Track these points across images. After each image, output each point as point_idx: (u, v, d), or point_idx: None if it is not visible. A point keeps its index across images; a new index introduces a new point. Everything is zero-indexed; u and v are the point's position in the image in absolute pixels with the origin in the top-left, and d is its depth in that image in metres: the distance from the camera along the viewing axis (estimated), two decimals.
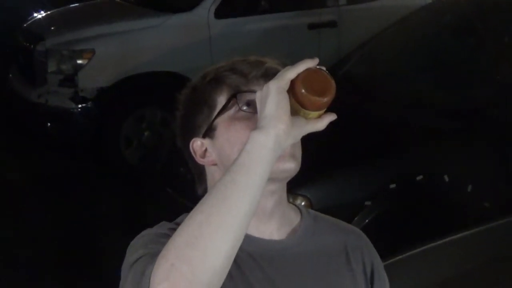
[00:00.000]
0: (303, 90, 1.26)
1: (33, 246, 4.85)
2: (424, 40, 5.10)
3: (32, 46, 6.42)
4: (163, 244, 1.20)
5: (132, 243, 1.38)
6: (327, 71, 1.30)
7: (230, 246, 1.17)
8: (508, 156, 4.13)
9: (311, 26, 6.59)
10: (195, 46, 6.24)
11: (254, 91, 1.38)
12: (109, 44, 6.18)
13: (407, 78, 4.79)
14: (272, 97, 1.25)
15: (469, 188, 3.99)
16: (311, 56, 1.29)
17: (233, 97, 1.43)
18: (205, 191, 1.50)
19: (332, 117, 1.30)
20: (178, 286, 1.12)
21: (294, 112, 1.27)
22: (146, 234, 1.39)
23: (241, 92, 1.43)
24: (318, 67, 1.29)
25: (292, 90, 1.27)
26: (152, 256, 1.20)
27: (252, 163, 1.22)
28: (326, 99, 1.27)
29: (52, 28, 6.63)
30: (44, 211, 5.38)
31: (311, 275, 1.48)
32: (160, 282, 1.13)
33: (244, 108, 1.42)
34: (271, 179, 1.36)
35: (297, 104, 1.27)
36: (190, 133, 1.49)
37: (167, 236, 1.31)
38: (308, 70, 1.27)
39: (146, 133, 6.17)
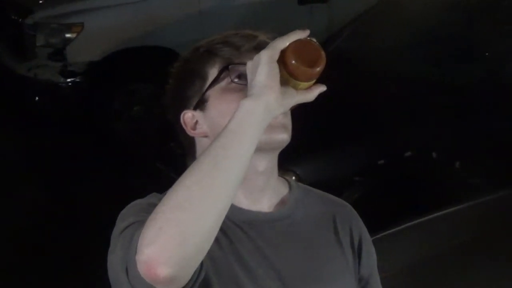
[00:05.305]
0: (293, 61, 1.26)
1: (24, 220, 4.86)
2: (415, 16, 5.09)
3: (20, 19, 6.37)
4: None
5: (122, 212, 1.39)
6: (317, 43, 1.30)
7: (218, 210, 1.18)
8: (496, 132, 4.15)
9: (302, 1, 6.56)
10: (185, 20, 6.21)
11: (246, 64, 1.38)
12: (98, 18, 6.14)
13: (398, 53, 4.79)
14: (263, 66, 1.26)
15: (457, 164, 4.02)
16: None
17: (225, 69, 1.43)
18: None
19: (321, 88, 1.31)
20: (166, 249, 1.13)
21: (284, 82, 1.27)
22: (137, 204, 1.40)
23: (233, 64, 1.43)
24: (308, 38, 1.30)
25: (282, 60, 1.27)
26: (142, 223, 1.21)
27: (241, 129, 1.23)
28: (316, 70, 1.28)
29: (41, 1, 6.57)
30: (32, 184, 5.37)
31: (299, 246, 1.49)
32: (148, 245, 1.14)
33: (236, 80, 1.43)
34: (262, 150, 1.37)
35: (287, 74, 1.27)
36: (181, 105, 1.49)
37: None
38: (298, 41, 1.28)
39: (136, 108, 6.16)
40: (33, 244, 4.60)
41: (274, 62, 1.26)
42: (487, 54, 4.61)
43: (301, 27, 1.30)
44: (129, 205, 1.41)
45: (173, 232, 1.13)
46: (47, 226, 4.77)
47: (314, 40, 1.31)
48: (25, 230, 4.74)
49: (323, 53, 1.28)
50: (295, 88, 1.29)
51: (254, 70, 1.27)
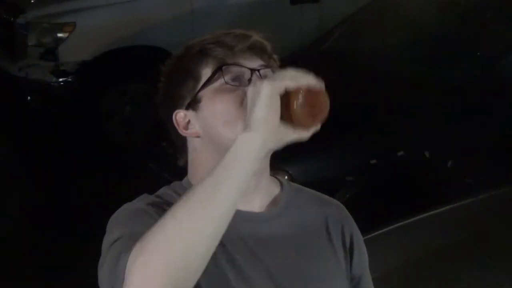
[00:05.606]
0: (295, 106, 1.25)
1: (14, 221, 4.84)
2: (407, 15, 5.10)
3: (12, 18, 6.35)
4: (141, 222, 1.20)
5: (112, 218, 1.38)
6: (326, 94, 1.29)
7: (209, 243, 1.18)
8: (489, 131, 4.16)
9: (293, 1, 6.56)
10: (177, 20, 6.21)
11: (239, 64, 1.39)
12: (90, 18, 6.13)
13: (390, 53, 4.80)
14: (264, 98, 1.25)
15: (450, 163, 4.02)
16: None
17: (218, 70, 1.43)
18: (185, 163, 1.52)
19: (317, 128, 1.32)
20: (153, 282, 1.12)
21: (283, 118, 1.26)
22: (126, 209, 1.40)
23: (226, 65, 1.42)
24: (319, 87, 1.28)
25: (285, 98, 1.26)
26: (130, 237, 1.20)
27: (236, 163, 1.23)
28: (316, 122, 1.28)
29: (33, 0, 6.56)
30: (24, 184, 5.36)
31: (291, 246, 1.49)
32: (135, 276, 1.13)
33: (230, 81, 1.42)
34: None
35: (287, 114, 1.26)
36: (173, 105, 1.49)
37: (146, 212, 1.32)
38: (307, 87, 1.26)
39: (127, 108, 6.15)
40: (31, 244, 4.59)
41: (276, 97, 1.25)
42: (478, 53, 4.62)
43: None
44: (118, 211, 1.40)
45: (161, 264, 1.12)
46: (36, 224, 4.77)
47: (323, 87, 1.28)
48: (13, 228, 4.74)
49: (327, 104, 1.28)
50: (293, 126, 1.28)
51: (254, 99, 1.26)
